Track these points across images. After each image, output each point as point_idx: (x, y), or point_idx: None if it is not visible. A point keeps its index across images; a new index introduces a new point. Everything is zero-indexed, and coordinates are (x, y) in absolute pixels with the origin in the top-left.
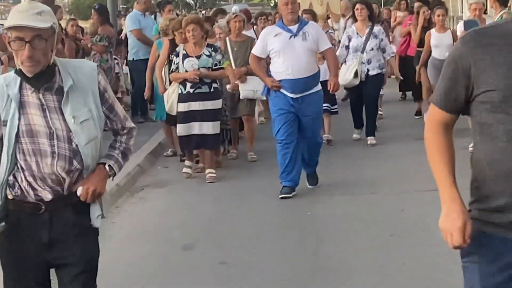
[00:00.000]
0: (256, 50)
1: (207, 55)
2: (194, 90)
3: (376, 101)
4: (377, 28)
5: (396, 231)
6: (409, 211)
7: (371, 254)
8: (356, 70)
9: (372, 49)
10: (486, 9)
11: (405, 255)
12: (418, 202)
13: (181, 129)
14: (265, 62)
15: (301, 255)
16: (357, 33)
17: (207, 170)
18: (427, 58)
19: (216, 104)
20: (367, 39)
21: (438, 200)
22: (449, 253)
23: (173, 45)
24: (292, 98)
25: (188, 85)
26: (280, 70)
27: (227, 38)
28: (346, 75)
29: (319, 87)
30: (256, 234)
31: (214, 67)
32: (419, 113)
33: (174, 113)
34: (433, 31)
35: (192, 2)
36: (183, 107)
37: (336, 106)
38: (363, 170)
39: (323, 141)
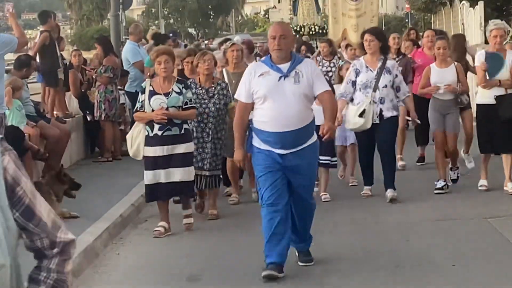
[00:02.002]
0: (240, 95)
1: (177, 93)
2: (163, 133)
3: (393, 147)
4: (391, 62)
5: (401, 262)
6: (414, 242)
7: (376, 285)
8: (364, 110)
9: (386, 86)
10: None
11: (411, 287)
12: (423, 232)
13: (149, 177)
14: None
15: (306, 285)
16: (367, 67)
17: (185, 211)
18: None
19: (188, 147)
20: (379, 75)
21: (443, 230)
22: (456, 284)
23: (181, 76)
24: (280, 154)
25: (156, 126)
26: (265, 119)
27: (224, 70)
28: (355, 118)
29: (314, 137)
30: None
31: (184, 106)
32: (422, 159)
33: (140, 158)
34: (433, 65)
35: (194, 33)
36: (151, 151)
37: (336, 159)
38: (368, 200)
39: (324, 200)
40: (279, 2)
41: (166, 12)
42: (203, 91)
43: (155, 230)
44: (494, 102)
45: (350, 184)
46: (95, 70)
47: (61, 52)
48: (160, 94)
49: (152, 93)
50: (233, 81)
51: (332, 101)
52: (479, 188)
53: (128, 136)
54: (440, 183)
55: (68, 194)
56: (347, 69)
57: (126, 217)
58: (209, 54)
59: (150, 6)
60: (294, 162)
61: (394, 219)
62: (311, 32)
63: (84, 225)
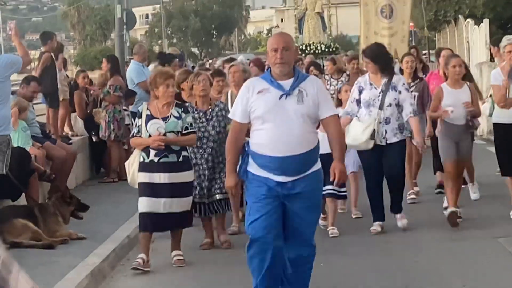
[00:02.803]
0: (235, 114)
1: (175, 117)
2: (159, 159)
3: (403, 172)
4: (397, 78)
5: (410, 282)
6: (424, 262)
7: None
8: (374, 131)
9: (390, 105)
10: None
11: None
12: (432, 252)
13: (144, 204)
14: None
15: None
16: (371, 84)
17: (174, 253)
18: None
19: (187, 176)
20: (384, 92)
21: (453, 249)
22: None
23: (176, 99)
24: (279, 182)
25: (152, 152)
26: (264, 142)
27: (229, 92)
28: (358, 135)
29: (318, 165)
30: None
31: (184, 132)
32: (442, 186)
33: (136, 186)
34: (445, 86)
35: (198, 52)
36: (146, 177)
37: (345, 189)
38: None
39: (331, 235)
40: (282, 21)
41: (169, 32)
42: (201, 114)
43: (135, 261)
44: None
45: (354, 216)
46: (100, 89)
47: (66, 73)
48: (158, 118)
49: (149, 117)
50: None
51: (339, 130)
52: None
53: (126, 163)
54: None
55: (75, 216)
56: (346, 91)
57: (133, 238)
58: (203, 74)
59: (153, 26)
60: (294, 190)
61: (403, 239)
62: (317, 51)
63: (91, 246)
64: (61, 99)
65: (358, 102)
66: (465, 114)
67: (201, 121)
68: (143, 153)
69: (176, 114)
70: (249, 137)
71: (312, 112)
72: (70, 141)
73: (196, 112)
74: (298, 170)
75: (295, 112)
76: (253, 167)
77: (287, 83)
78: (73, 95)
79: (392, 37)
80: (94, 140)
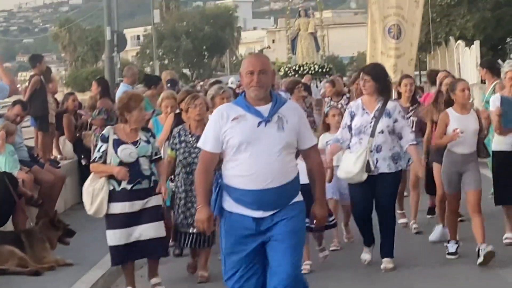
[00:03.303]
0: (206, 143)
1: (145, 141)
2: (132, 187)
3: (393, 207)
4: (392, 104)
5: None
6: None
7: None
8: (368, 162)
9: (382, 131)
10: None
11: None
12: (426, 278)
13: (116, 237)
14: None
15: None
16: (363, 109)
17: (153, 280)
18: (443, 148)
19: (158, 200)
20: (377, 118)
21: (447, 275)
22: None
23: (178, 119)
24: (256, 219)
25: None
26: (240, 174)
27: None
28: (350, 167)
29: (300, 196)
30: None
31: (153, 158)
32: (432, 210)
33: (101, 216)
34: (451, 111)
35: (189, 73)
36: (118, 208)
37: (333, 217)
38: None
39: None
40: (273, 42)
41: (160, 53)
42: (193, 138)
43: None
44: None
45: (331, 249)
46: (89, 113)
47: (55, 96)
48: (128, 143)
49: (118, 142)
50: None
51: (321, 163)
52: (504, 241)
53: (87, 191)
54: (453, 246)
55: (62, 241)
56: (334, 115)
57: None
58: (200, 98)
59: (144, 47)
60: (275, 228)
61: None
62: (310, 72)
63: (79, 273)
64: None
65: (350, 128)
66: (473, 142)
67: (193, 145)
68: (113, 181)
69: (145, 139)
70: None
71: (292, 140)
72: (59, 165)
73: (189, 136)
74: (278, 203)
75: (275, 140)
76: (227, 203)
77: (264, 109)
78: (61, 118)
79: (399, 58)
80: (83, 163)
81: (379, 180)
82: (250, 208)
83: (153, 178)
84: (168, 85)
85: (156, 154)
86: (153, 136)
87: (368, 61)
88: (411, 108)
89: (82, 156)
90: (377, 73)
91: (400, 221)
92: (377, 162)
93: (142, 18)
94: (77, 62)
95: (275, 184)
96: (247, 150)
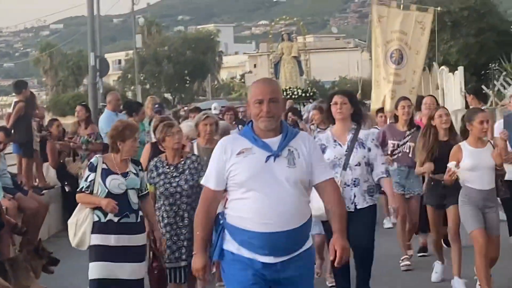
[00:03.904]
0: (209, 179)
1: (134, 174)
2: (119, 219)
3: (372, 244)
4: (365, 133)
5: None
6: None
7: None
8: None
9: (359, 164)
10: None
11: None
12: None
13: (98, 270)
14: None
15: None
16: (334, 141)
17: None
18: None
19: (142, 239)
20: (350, 149)
21: None
22: None
23: (154, 149)
24: (265, 264)
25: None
26: (247, 214)
27: (195, 143)
28: (321, 202)
29: (310, 241)
30: None
31: (141, 194)
32: (424, 249)
33: (84, 248)
34: (465, 144)
35: (171, 98)
36: (102, 239)
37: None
38: None
39: None
40: (255, 66)
41: (142, 78)
42: (171, 168)
43: None
44: None
45: (329, 285)
46: (77, 139)
47: (42, 122)
48: (118, 173)
49: (107, 172)
50: (205, 158)
51: (340, 197)
52: None
53: (71, 222)
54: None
55: (46, 270)
56: None
57: None
58: (176, 125)
59: (126, 72)
60: (284, 273)
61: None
62: (294, 96)
63: None
64: None
65: None
66: (490, 178)
67: (172, 175)
68: (98, 212)
69: (134, 171)
70: (225, 207)
71: (305, 176)
72: (42, 192)
73: (167, 167)
74: (290, 248)
75: (287, 177)
76: (231, 245)
77: (274, 142)
78: (44, 144)
79: (398, 85)
80: (67, 190)
81: (357, 217)
82: (259, 253)
83: (140, 213)
84: (156, 106)
85: (144, 190)
86: (142, 169)
87: (373, 89)
88: (408, 133)
89: (66, 183)
90: (354, 96)
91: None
92: (355, 197)
93: (123, 42)
94: (58, 86)
95: (287, 227)
96: (255, 188)
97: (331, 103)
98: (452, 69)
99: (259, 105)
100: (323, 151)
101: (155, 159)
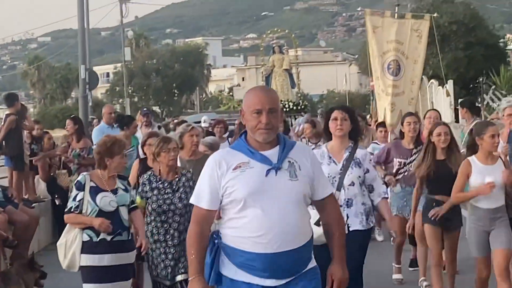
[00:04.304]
0: (201, 198)
1: (123, 190)
2: (112, 238)
3: (361, 268)
4: (362, 152)
5: None
6: None
7: None
8: None
9: (353, 184)
10: None
11: None
12: None
13: None
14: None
15: None
16: (330, 157)
17: None
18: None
19: (132, 257)
20: (345, 168)
21: None
22: None
23: (143, 165)
24: (266, 287)
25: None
26: (247, 234)
27: (178, 156)
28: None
29: (314, 261)
30: None
31: (131, 207)
32: (415, 263)
33: (75, 270)
34: (474, 160)
35: (159, 111)
36: (96, 260)
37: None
38: None
39: None
40: (243, 79)
41: (130, 91)
42: (166, 184)
43: None
44: None
45: None
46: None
47: (33, 135)
48: (107, 191)
49: (96, 189)
50: (190, 170)
51: (341, 217)
52: None
53: (60, 244)
54: None
55: (36, 283)
56: None
57: None
58: (173, 141)
59: (114, 85)
60: None
61: None
62: (285, 109)
63: None
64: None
65: None
66: (500, 196)
67: (166, 192)
68: (89, 231)
69: (123, 187)
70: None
71: (307, 190)
72: (33, 205)
73: (160, 182)
74: (293, 270)
75: (289, 191)
76: (229, 269)
77: (272, 154)
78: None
79: (397, 97)
80: (57, 203)
81: (349, 239)
82: (260, 276)
83: (131, 230)
84: (144, 109)
85: (132, 203)
86: (129, 184)
87: (376, 101)
88: (415, 151)
89: (56, 196)
90: (353, 112)
91: (395, 276)
92: (348, 218)
93: (112, 55)
94: (46, 99)
95: (291, 246)
96: (255, 205)
97: (330, 118)
98: (442, 82)
99: (257, 115)
100: None
101: (149, 172)
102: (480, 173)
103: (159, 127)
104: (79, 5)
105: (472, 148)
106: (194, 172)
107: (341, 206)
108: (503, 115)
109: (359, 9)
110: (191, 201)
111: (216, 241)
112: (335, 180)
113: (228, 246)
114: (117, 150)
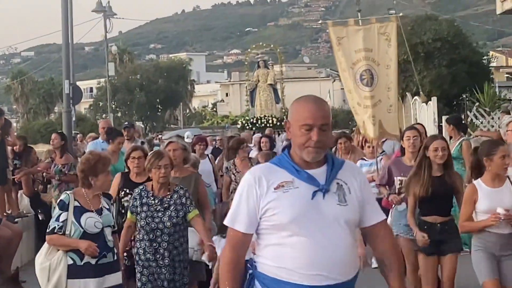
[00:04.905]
0: (238, 221)
1: (107, 209)
2: (97, 261)
3: None
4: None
5: None
6: None
7: None
8: None
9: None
10: None
11: None
12: None
13: None
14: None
15: None
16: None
17: None
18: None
19: (118, 278)
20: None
21: None
22: None
23: (124, 179)
24: None
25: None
26: (291, 264)
27: None
28: None
29: None
30: None
31: (114, 230)
32: None
33: None
34: (480, 184)
35: (142, 126)
36: (81, 284)
37: None
38: None
39: None
40: (227, 95)
41: (114, 106)
42: (156, 201)
43: None
44: None
45: None
46: (51, 169)
47: (17, 151)
48: (92, 211)
49: (81, 209)
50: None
51: (396, 244)
52: None
53: (41, 267)
54: None
55: None
56: None
57: None
58: (165, 157)
59: (98, 100)
60: None
61: None
62: (268, 125)
63: None
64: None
65: None
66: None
67: (156, 209)
68: (72, 254)
69: (107, 206)
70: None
71: (357, 217)
72: (16, 220)
73: (151, 198)
74: None
75: (337, 217)
76: None
77: (319, 173)
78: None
79: (376, 107)
80: (40, 218)
81: None
82: None
83: (115, 250)
84: (126, 123)
85: (115, 223)
86: (113, 203)
87: (354, 115)
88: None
89: (39, 211)
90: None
91: None
92: None
93: (95, 70)
94: (29, 114)
95: (340, 279)
96: (300, 232)
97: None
98: (425, 99)
99: (307, 132)
100: None
101: (141, 187)
102: (488, 198)
103: (142, 143)
104: (63, 20)
105: (478, 170)
106: None
107: None
108: (506, 131)
109: (319, 22)
110: (226, 222)
111: (250, 271)
112: None
113: (267, 277)
114: (101, 168)
